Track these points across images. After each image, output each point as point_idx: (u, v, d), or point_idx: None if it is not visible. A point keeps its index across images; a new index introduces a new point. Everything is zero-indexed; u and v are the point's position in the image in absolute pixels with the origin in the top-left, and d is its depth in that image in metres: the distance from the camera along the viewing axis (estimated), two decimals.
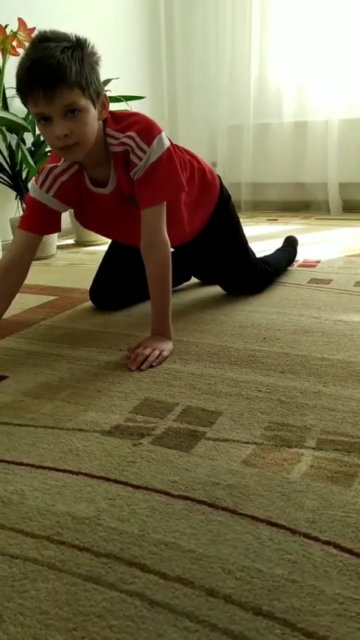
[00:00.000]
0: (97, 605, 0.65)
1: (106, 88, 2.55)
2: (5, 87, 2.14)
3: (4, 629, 0.62)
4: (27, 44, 2.06)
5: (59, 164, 1.40)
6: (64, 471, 0.91)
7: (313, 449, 0.94)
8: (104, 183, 1.40)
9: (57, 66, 1.15)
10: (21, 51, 2.07)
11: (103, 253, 1.83)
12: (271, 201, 3.74)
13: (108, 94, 2.51)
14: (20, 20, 2.00)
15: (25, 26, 2.00)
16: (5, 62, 2.06)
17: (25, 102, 1.22)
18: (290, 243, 2.27)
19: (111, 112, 1.33)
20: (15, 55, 2.06)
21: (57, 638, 0.61)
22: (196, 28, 3.66)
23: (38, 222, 1.43)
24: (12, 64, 2.22)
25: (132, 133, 1.31)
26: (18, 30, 1.99)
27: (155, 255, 1.34)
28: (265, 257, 1.97)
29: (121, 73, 2.92)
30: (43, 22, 2.27)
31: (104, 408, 1.12)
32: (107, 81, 2.58)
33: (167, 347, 1.35)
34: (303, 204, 3.66)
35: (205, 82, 3.71)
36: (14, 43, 2.00)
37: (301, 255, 2.38)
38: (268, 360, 1.30)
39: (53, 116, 1.20)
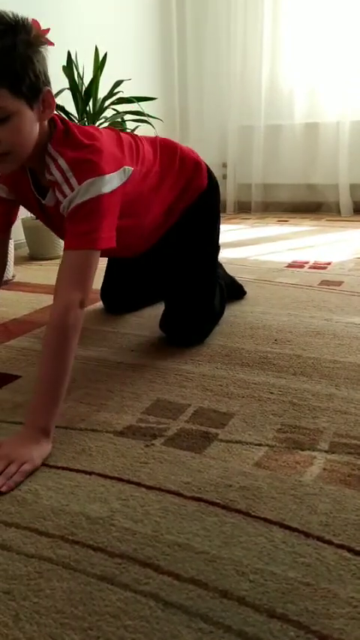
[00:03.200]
0: (112, 605, 0.66)
1: (117, 90, 2.60)
2: None
3: (20, 627, 0.63)
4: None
5: None
6: (78, 470, 0.92)
7: (326, 452, 0.94)
8: (46, 193, 1.19)
9: None
10: None
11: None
12: (281, 203, 3.74)
13: (120, 95, 2.57)
14: (34, 21, 2.01)
15: (39, 27, 2.00)
16: None
17: None
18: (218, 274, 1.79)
19: (68, 124, 1.12)
20: None
21: (72, 637, 0.62)
22: (208, 30, 3.66)
23: None
24: None
25: (64, 164, 1.07)
26: None
27: (56, 311, 1.03)
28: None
29: (133, 74, 2.92)
30: (55, 23, 2.28)
31: (116, 409, 1.12)
32: (119, 82, 2.60)
33: (36, 453, 0.93)
34: (314, 205, 3.65)
35: (216, 83, 3.71)
36: None
37: (312, 256, 2.38)
38: (279, 362, 1.31)
39: None
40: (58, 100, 2.51)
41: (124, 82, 2.63)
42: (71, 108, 2.57)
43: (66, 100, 2.57)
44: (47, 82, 1.04)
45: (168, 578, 0.69)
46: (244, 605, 0.65)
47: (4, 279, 1.41)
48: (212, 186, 1.53)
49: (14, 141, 1.02)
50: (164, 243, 1.47)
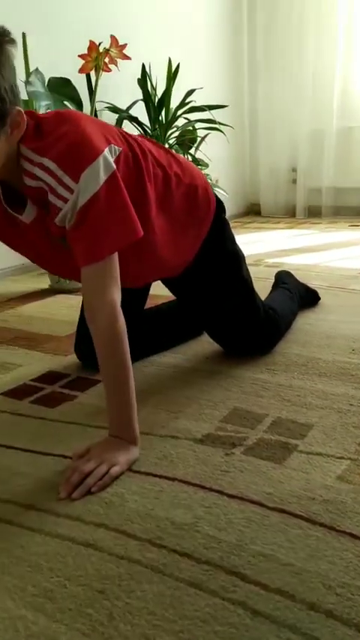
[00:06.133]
0: (201, 610, 0.68)
1: (189, 99, 2.64)
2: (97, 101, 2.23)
3: (114, 625, 0.66)
4: (119, 61, 2.14)
5: None
6: (160, 476, 0.95)
7: None
8: (22, 207, 1.02)
9: None
10: (113, 67, 2.15)
11: None
12: (353, 207, 3.66)
13: (192, 104, 2.61)
14: (113, 37, 2.08)
15: (117, 43, 2.07)
16: (98, 78, 2.15)
17: None
18: (288, 282, 1.70)
19: (35, 116, 0.97)
20: (107, 72, 2.14)
21: (165, 639, 0.64)
22: (278, 34, 3.64)
23: None
24: (109, 81, 2.31)
25: (50, 163, 0.92)
26: (110, 47, 2.07)
27: (100, 324, 0.97)
28: (266, 301, 1.51)
29: (204, 82, 2.96)
30: (131, 37, 2.35)
31: (195, 416, 1.15)
32: (191, 91, 2.64)
33: (124, 459, 0.95)
34: None
35: (286, 87, 3.68)
36: (106, 60, 2.08)
37: None
38: (358, 372, 1.29)
39: None
40: (133, 111, 2.58)
41: (195, 90, 2.67)
42: (144, 118, 2.64)
43: (139, 111, 2.64)
44: (14, 99, 0.88)
45: (255, 588, 0.70)
46: (332, 618, 0.65)
47: None
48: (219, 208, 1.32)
49: None
50: (186, 276, 1.31)
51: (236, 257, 1.35)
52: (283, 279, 1.72)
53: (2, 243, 1.15)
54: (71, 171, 0.91)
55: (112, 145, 0.99)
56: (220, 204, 1.32)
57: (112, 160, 0.96)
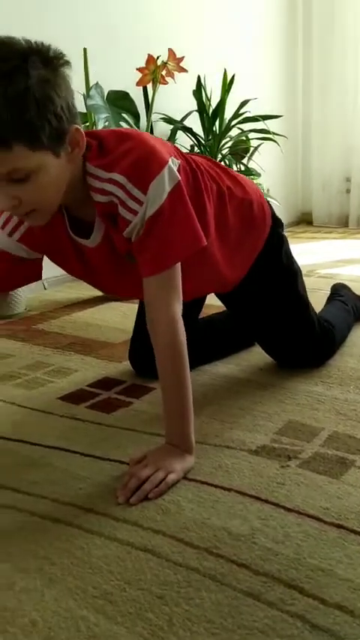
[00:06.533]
0: (260, 621, 0.68)
1: (244, 110, 2.66)
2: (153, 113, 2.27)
3: (174, 631, 0.68)
4: (176, 73, 2.18)
5: None
6: (216, 486, 0.96)
7: None
8: (88, 233, 1.03)
9: None
10: (170, 80, 2.19)
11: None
12: None
13: (247, 114, 2.62)
14: (170, 51, 2.12)
15: (175, 56, 2.11)
16: (155, 92, 2.19)
17: None
18: (344, 295, 1.68)
19: (97, 135, 0.98)
20: (164, 84, 2.18)
21: None
22: (334, 44, 3.61)
23: None
24: (164, 93, 2.36)
25: (119, 177, 0.93)
26: (168, 60, 2.11)
27: (160, 335, 0.99)
28: (321, 313, 1.51)
29: (258, 92, 2.97)
30: (188, 49, 2.39)
31: (249, 427, 1.15)
32: (245, 102, 2.65)
33: (180, 466, 0.97)
34: None
35: (340, 97, 3.64)
36: (163, 72, 2.13)
37: None
38: None
39: None
40: (187, 122, 2.62)
41: (249, 100, 2.68)
42: (197, 129, 2.67)
43: (192, 122, 2.68)
44: (73, 117, 0.88)
45: (313, 602, 0.70)
46: None
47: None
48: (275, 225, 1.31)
49: (38, 199, 0.90)
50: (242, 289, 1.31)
51: (291, 273, 1.35)
52: (339, 291, 1.70)
53: (66, 272, 1.18)
54: (140, 184, 0.93)
55: (173, 158, 1.00)
56: (276, 219, 1.32)
57: (176, 170, 0.98)
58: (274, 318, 1.34)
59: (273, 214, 1.31)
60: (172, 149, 1.07)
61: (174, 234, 0.97)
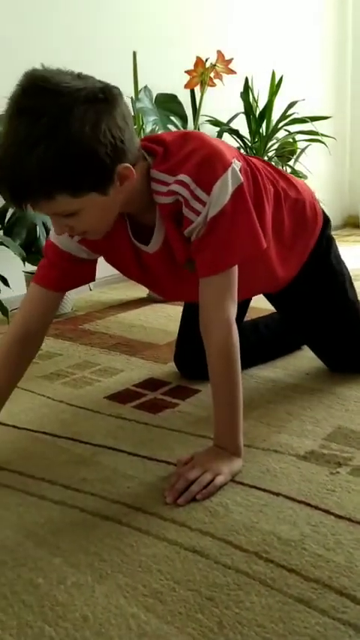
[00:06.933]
0: (311, 627, 0.67)
1: (291, 111, 2.63)
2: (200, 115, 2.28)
3: (224, 634, 0.68)
4: (224, 75, 2.18)
5: None
6: (264, 490, 0.95)
7: None
8: (147, 239, 1.04)
9: (20, 179, 0.82)
10: (218, 82, 2.19)
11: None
12: None
13: (295, 116, 2.59)
14: (219, 53, 2.12)
15: (223, 58, 2.11)
16: (203, 94, 2.20)
17: None
18: None
19: (162, 141, 0.99)
20: (212, 86, 2.19)
21: None
22: None
23: (60, 276, 1.08)
24: (210, 96, 2.36)
25: (185, 177, 0.93)
26: (217, 62, 2.11)
27: (214, 337, 0.99)
28: None
29: (306, 93, 2.94)
30: (236, 50, 2.39)
31: (297, 432, 1.14)
32: (293, 103, 2.63)
33: (227, 469, 0.97)
34: None
35: None
36: (212, 75, 2.13)
37: None
38: None
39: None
40: (234, 124, 2.61)
41: (297, 102, 2.65)
42: (244, 131, 2.66)
43: (238, 124, 2.67)
44: (120, 157, 0.87)
45: None
46: None
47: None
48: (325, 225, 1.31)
49: (88, 228, 0.94)
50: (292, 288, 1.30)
51: (341, 275, 1.33)
52: None
53: (123, 275, 1.19)
54: (204, 184, 0.93)
55: (235, 159, 1.00)
56: (327, 220, 1.32)
57: (238, 171, 0.98)
58: (323, 320, 1.33)
59: (324, 214, 1.31)
60: (234, 151, 1.07)
61: (235, 235, 0.97)
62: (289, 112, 2.60)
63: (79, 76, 0.85)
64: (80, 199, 0.86)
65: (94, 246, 1.07)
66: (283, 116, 2.60)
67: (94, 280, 1.15)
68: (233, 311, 0.99)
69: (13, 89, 0.83)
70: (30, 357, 1.11)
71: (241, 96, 2.60)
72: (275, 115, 2.63)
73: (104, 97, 0.84)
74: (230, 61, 2.13)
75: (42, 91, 0.81)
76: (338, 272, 1.33)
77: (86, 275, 1.13)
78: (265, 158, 2.63)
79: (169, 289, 1.21)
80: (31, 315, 1.07)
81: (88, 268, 1.12)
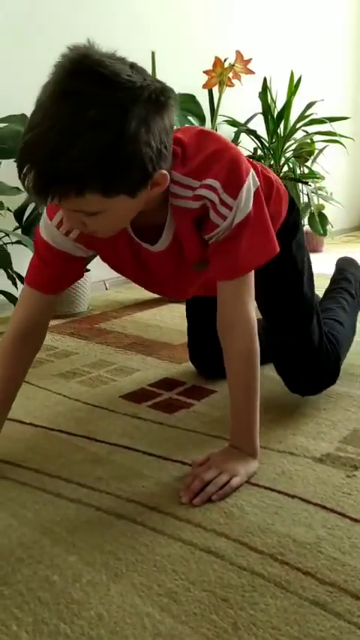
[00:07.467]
0: (326, 631, 0.67)
1: (310, 111, 2.62)
2: (219, 115, 2.28)
3: (239, 635, 0.67)
4: (243, 75, 2.18)
5: None
6: (280, 492, 0.95)
7: None
8: (153, 238, 0.99)
9: (56, 169, 0.75)
10: (236, 82, 2.19)
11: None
12: None
13: (314, 116, 2.58)
14: (238, 53, 2.12)
15: (242, 58, 2.11)
16: (222, 94, 2.20)
17: None
18: (349, 279, 1.53)
19: (180, 141, 0.92)
20: (230, 87, 2.18)
21: None
22: None
23: (55, 276, 1.02)
24: (228, 96, 2.36)
25: (214, 182, 0.90)
26: (235, 62, 2.11)
27: (236, 339, 0.98)
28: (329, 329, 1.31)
29: (325, 94, 2.92)
30: (255, 50, 2.38)
31: (312, 434, 1.13)
32: (312, 104, 2.62)
33: (243, 470, 0.97)
34: None
35: None
36: (230, 75, 2.13)
37: None
38: None
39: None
40: (251, 124, 2.61)
41: (316, 102, 2.64)
42: (262, 131, 2.65)
43: (256, 124, 2.66)
44: (161, 162, 0.82)
45: None
46: None
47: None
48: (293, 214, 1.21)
49: (103, 229, 0.90)
50: None
51: (301, 263, 1.21)
52: (345, 273, 1.54)
53: (115, 271, 1.13)
54: (231, 189, 0.91)
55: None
56: (293, 204, 1.21)
57: (254, 173, 0.96)
58: (275, 313, 1.23)
59: (290, 198, 1.21)
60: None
61: (257, 240, 0.96)
62: (307, 113, 2.59)
63: (133, 66, 0.78)
64: (110, 200, 0.80)
65: (90, 243, 1.01)
66: (302, 116, 2.59)
67: (81, 277, 1.09)
68: (254, 313, 0.99)
69: (56, 65, 0.75)
70: (30, 359, 1.07)
71: (260, 96, 2.59)
72: (293, 116, 2.62)
73: (164, 99, 0.80)
74: (249, 61, 2.13)
75: (98, 77, 0.74)
76: (297, 259, 1.20)
77: (79, 272, 1.07)
78: (283, 159, 2.62)
79: (169, 288, 1.18)
80: (28, 321, 1.02)
81: (81, 265, 1.07)
